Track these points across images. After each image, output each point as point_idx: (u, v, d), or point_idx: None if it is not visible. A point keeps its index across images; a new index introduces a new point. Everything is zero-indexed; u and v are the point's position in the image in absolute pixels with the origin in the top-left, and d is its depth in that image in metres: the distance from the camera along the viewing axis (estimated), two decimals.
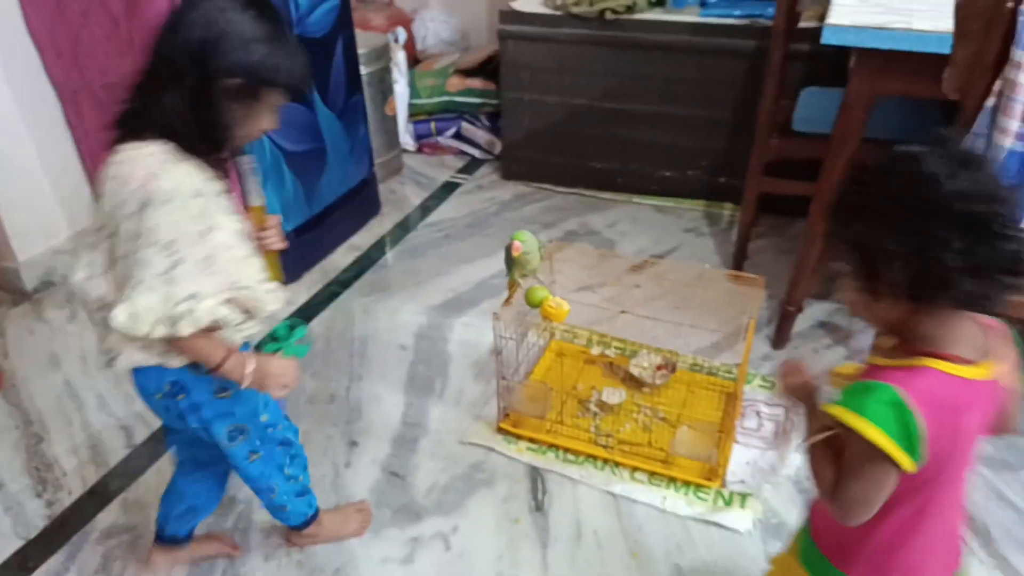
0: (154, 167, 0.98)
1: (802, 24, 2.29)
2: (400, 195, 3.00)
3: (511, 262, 1.66)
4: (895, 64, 1.61)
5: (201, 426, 1.19)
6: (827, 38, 1.60)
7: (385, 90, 2.96)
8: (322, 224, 2.50)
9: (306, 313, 2.24)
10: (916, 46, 1.55)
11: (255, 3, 1.01)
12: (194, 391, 1.15)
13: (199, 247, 1.00)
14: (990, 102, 1.37)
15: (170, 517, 1.41)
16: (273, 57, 1.01)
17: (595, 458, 1.69)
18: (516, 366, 1.80)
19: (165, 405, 1.17)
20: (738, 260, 2.36)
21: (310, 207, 2.43)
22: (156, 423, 1.84)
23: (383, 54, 2.91)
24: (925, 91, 1.60)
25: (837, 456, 0.86)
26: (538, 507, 1.59)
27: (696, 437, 1.62)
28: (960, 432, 0.82)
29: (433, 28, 3.46)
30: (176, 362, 1.10)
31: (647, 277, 2.33)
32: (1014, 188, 0.79)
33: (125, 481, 1.68)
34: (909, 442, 0.77)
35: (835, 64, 2.36)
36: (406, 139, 3.29)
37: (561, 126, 2.85)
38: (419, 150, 3.34)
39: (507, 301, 1.72)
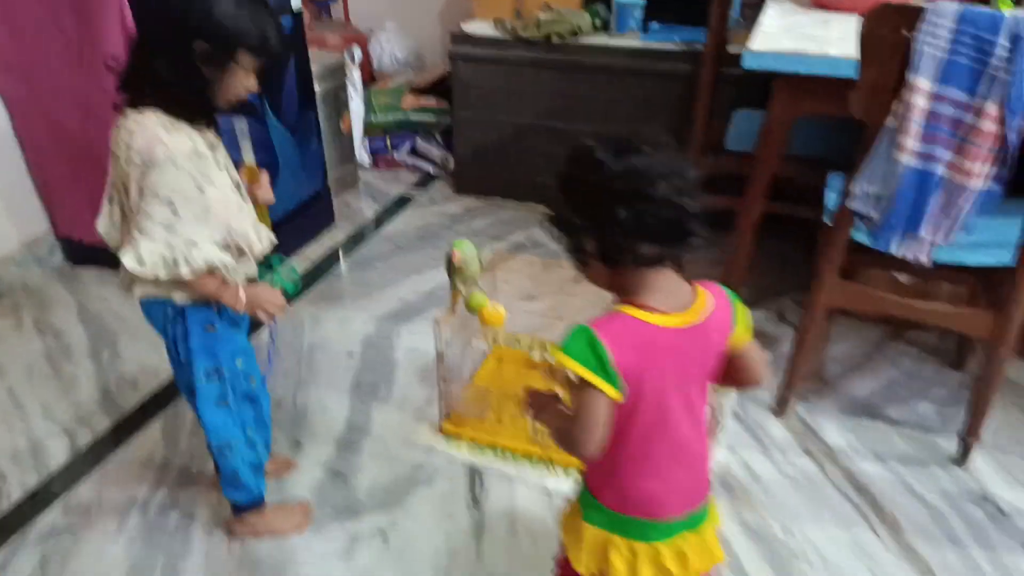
0: (154, 133, 1.13)
1: (734, 49, 2.42)
2: (354, 208, 3.05)
3: (452, 270, 1.73)
4: (811, 87, 1.74)
5: (187, 357, 1.33)
6: (747, 63, 1.72)
7: (340, 107, 3.03)
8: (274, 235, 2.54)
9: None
10: (830, 70, 1.67)
11: None
12: (189, 319, 1.30)
13: (196, 202, 1.16)
14: (890, 122, 1.49)
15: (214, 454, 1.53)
16: (239, 21, 1.13)
17: (532, 456, 1.76)
18: (459, 371, 1.87)
19: (165, 330, 1.33)
20: None
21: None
22: (100, 427, 1.86)
23: (338, 72, 2.98)
24: (839, 111, 1.73)
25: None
26: (475, 502, 1.65)
27: None
28: (657, 368, 0.95)
29: (389, 48, 3.54)
30: (179, 297, 1.27)
31: (586, 287, 2.42)
32: (673, 167, 0.91)
33: (67, 484, 1.70)
34: (604, 370, 0.92)
35: (765, 87, 2.50)
36: (362, 154, 3.35)
37: (509, 143, 2.94)
38: (375, 165, 3.40)
39: (451, 308, 1.79)
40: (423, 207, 3.06)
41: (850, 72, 1.64)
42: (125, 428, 1.86)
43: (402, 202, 3.11)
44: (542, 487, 1.68)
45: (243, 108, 1.38)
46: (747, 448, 1.80)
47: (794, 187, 2.21)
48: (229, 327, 1.37)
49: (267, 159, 2.42)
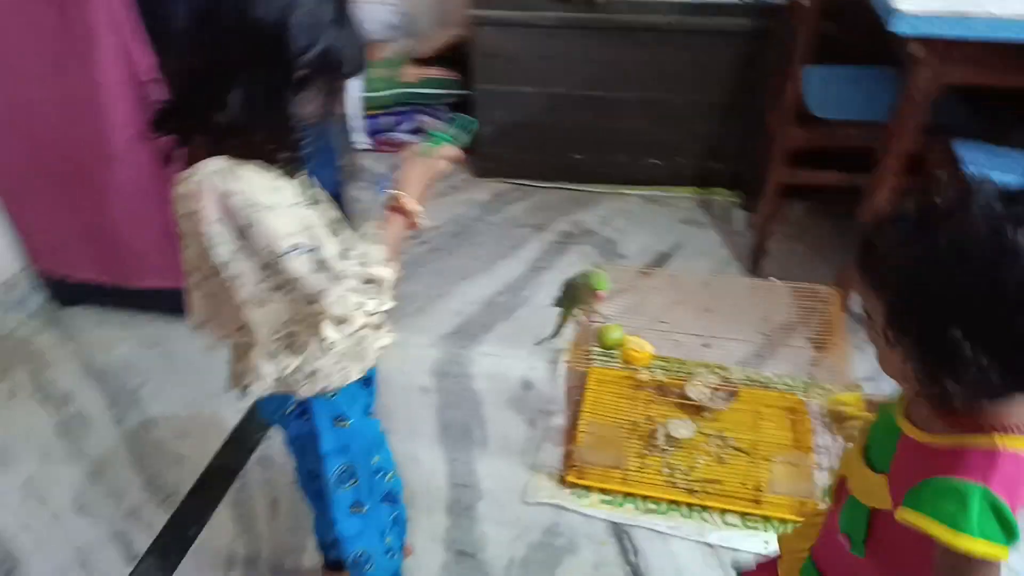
0: (223, 191, 0.86)
1: None
2: (365, 204, 2.69)
3: (573, 298, 1.46)
4: (963, 52, 1.51)
5: (316, 458, 1.11)
6: (900, 28, 1.47)
7: None
8: None
9: None
10: (991, 33, 1.45)
11: None
12: (316, 415, 1.08)
13: (316, 227, 0.92)
14: None
15: (326, 543, 1.35)
16: (340, 42, 0.88)
17: (678, 503, 1.54)
18: (549, 400, 1.62)
19: (287, 423, 1.12)
20: (756, 256, 2.24)
21: None
22: (157, 522, 1.54)
23: None
24: (997, 80, 1.52)
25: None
26: (635, 571, 1.43)
27: (792, 472, 1.49)
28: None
29: (376, 14, 3.12)
30: (303, 392, 1.03)
31: (663, 283, 2.18)
32: None
33: None
34: (1012, 534, 0.70)
35: (837, 39, 2.26)
36: (360, 137, 2.98)
37: (540, 118, 2.63)
38: (376, 148, 3.03)
39: (559, 336, 1.54)
40: (444, 196, 2.72)
41: (1017, 34, 1.43)
42: (187, 520, 1.54)
43: None
44: (702, 542, 1.47)
45: None
46: None
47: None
48: (363, 416, 1.13)
49: None
